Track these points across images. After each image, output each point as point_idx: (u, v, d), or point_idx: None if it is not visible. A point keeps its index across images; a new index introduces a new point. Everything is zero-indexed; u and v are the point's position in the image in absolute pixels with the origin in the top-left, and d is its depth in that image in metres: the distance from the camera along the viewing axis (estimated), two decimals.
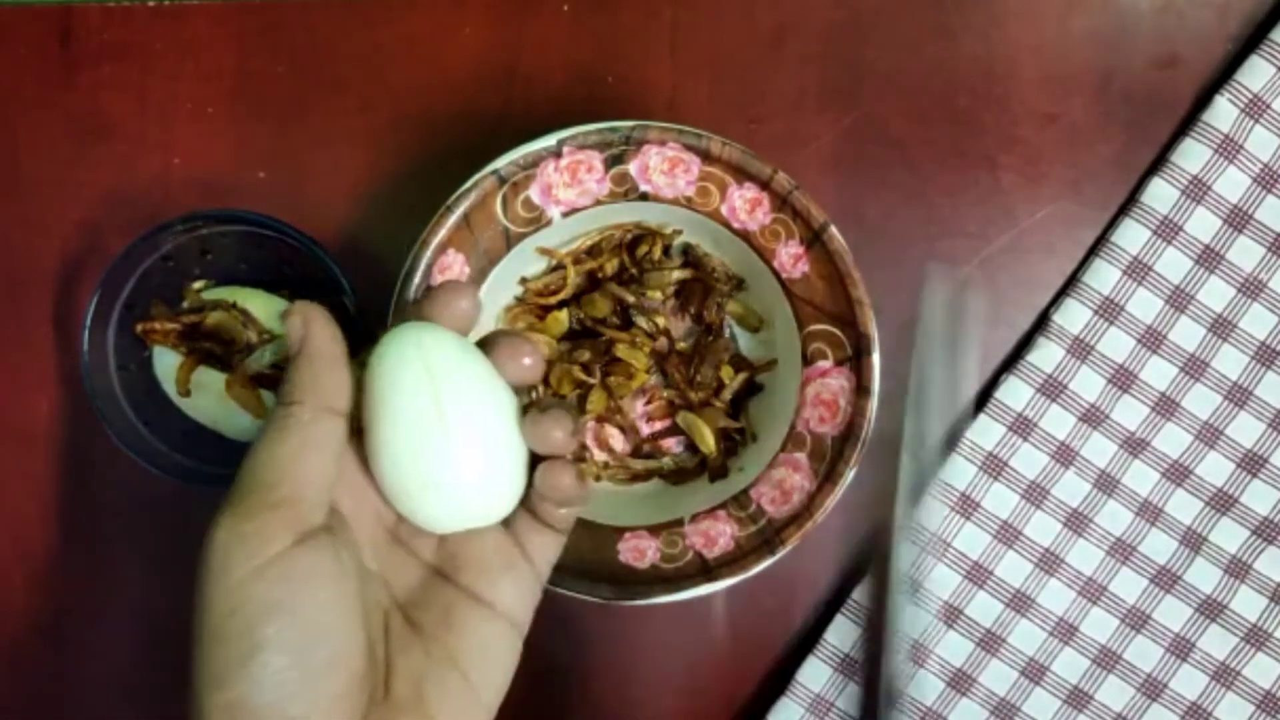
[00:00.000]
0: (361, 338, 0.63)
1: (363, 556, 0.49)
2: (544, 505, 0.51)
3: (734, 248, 0.62)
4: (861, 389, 0.59)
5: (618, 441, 0.67)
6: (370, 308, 0.63)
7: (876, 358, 0.59)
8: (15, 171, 0.69)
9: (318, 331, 0.48)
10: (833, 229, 0.59)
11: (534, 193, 0.60)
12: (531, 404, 0.51)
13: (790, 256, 0.60)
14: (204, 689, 0.43)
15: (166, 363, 0.67)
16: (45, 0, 0.69)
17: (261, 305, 0.67)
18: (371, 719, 0.46)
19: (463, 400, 0.48)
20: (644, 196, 0.60)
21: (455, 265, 0.60)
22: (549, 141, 0.58)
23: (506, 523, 0.52)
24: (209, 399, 0.67)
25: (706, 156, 0.59)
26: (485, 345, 0.51)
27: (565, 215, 0.60)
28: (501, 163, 0.58)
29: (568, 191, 0.60)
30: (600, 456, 0.67)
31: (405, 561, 0.51)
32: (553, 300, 0.65)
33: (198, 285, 0.67)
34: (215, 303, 0.67)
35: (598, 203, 0.60)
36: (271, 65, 0.69)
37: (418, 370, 0.48)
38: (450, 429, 0.48)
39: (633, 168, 0.59)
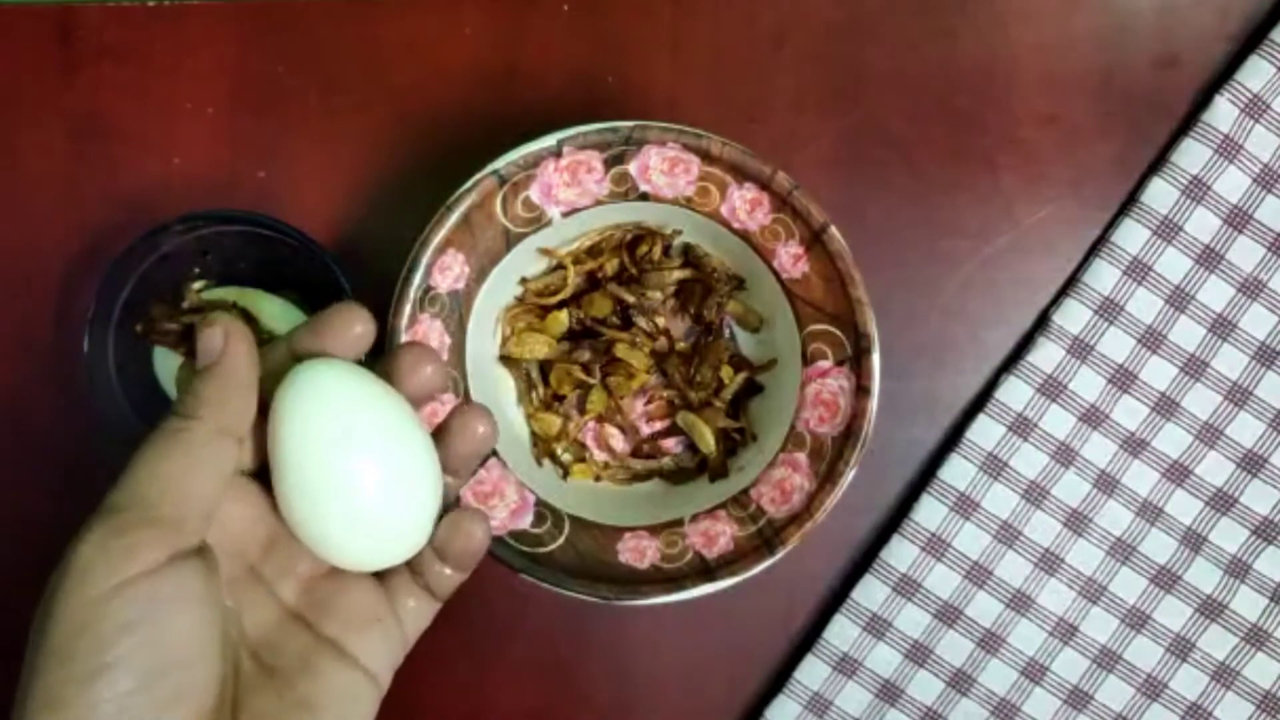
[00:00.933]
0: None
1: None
2: (433, 568, 0.50)
3: (734, 248, 0.62)
4: (861, 389, 0.59)
5: (618, 441, 0.67)
6: (370, 308, 0.63)
7: (876, 357, 0.59)
8: (15, 171, 0.69)
9: (236, 350, 0.46)
10: (833, 229, 0.59)
11: (534, 193, 0.60)
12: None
13: (790, 256, 0.60)
14: (32, 713, 0.40)
15: (167, 363, 0.67)
16: (45, 0, 0.69)
17: (261, 305, 0.67)
18: None
19: (372, 438, 0.47)
20: (644, 196, 0.60)
21: (455, 265, 0.60)
22: (549, 141, 0.58)
23: (381, 578, 0.50)
24: None
25: (706, 156, 0.59)
26: (388, 362, 0.50)
27: (565, 215, 0.60)
28: (501, 163, 0.58)
29: (568, 192, 0.60)
30: (600, 456, 0.67)
31: (264, 601, 0.49)
32: (553, 300, 0.65)
33: (198, 285, 0.67)
34: (215, 303, 0.67)
35: (598, 203, 0.60)
36: (271, 65, 0.69)
37: (326, 408, 0.47)
38: (360, 467, 0.47)
39: (633, 168, 0.59)
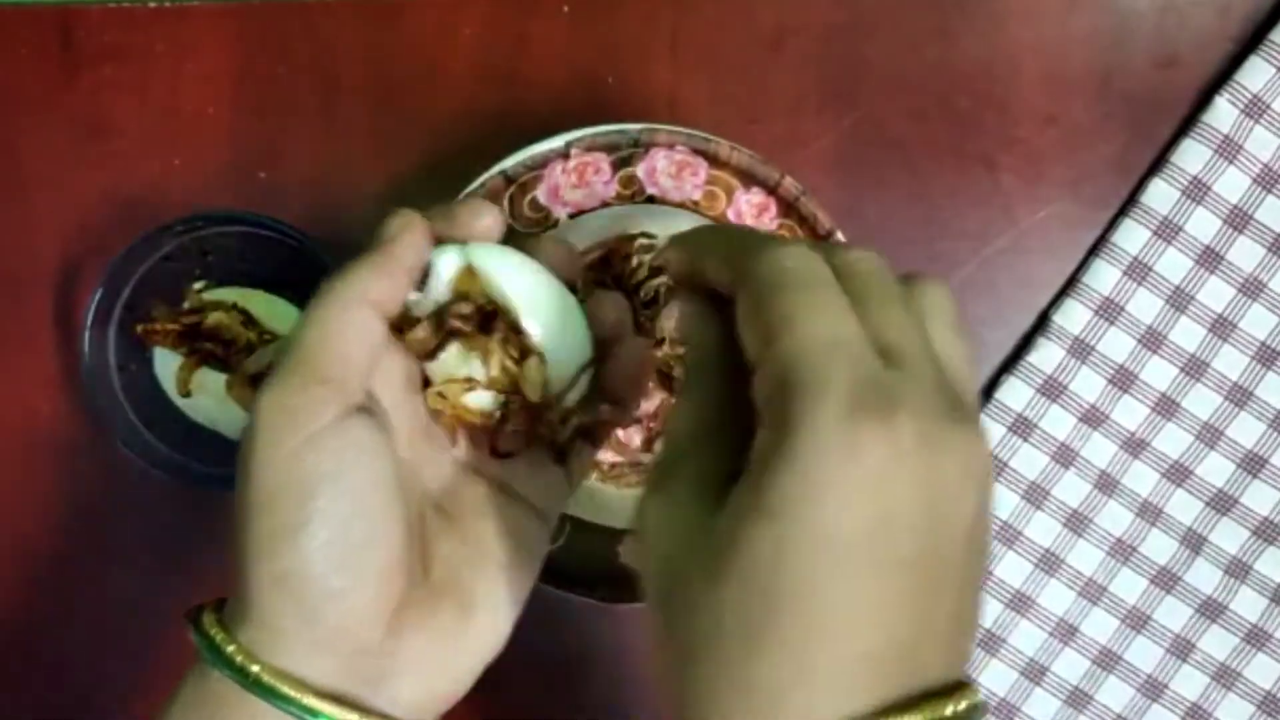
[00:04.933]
0: None
1: (398, 445, 0.49)
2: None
3: None
4: None
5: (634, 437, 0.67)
6: None
7: None
8: (16, 171, 0.69)
9: (410, 240, 0.48)
10: (839, 235, 0.59)
11: (541, 193, 0.60)
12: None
13: None
14: (253, 560, 0.44)
15: (167, 363, 0.67)
16: (45, 0, 0.69)
17: (261, 305, 0.67)
18: (413, 598, 0.46)
19: (525, 292, 0.48)
20: (651, 199, 0.60)
21: None
22: (557, 143, 0.58)
23: None
24: (209, 399, 0.67)
25: (714, 160, 0.59)
26: (446, 216, 0.51)
27: (572, 217, 0.60)
28: (509, 162, 0.58)
29: (574, 193, 0.60)
30: (611, 457, 0.66)
31: (437, 457, 0.51)
32: None
33: (198, 285, 0.67)
34: (215, 303, 0.67)
35: (604, 205, 0.60)
36: (271, 65, 0.69)
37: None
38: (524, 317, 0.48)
39: (640, 170, 0.59)
